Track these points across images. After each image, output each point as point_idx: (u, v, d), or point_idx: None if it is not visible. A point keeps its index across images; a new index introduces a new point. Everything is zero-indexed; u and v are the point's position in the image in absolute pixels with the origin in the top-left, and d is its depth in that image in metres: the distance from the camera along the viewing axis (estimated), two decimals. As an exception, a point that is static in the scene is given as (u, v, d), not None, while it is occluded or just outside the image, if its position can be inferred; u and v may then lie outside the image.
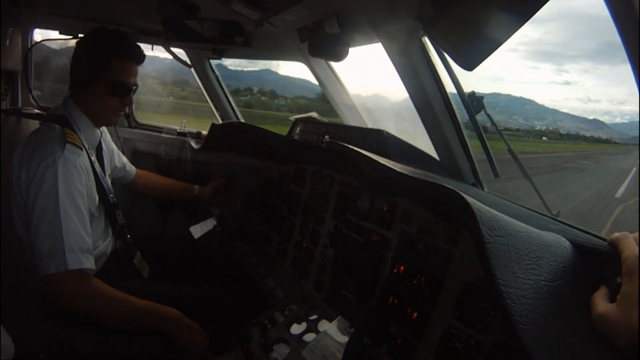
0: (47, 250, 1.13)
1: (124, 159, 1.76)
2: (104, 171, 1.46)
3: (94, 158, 1.38)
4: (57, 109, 1.37)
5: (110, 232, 1.48)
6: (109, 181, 1.49)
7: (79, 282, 1.15)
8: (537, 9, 0.78)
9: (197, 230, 1.81)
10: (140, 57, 1.40)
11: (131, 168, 1.80)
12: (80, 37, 1.40)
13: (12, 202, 1.26)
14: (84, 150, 1.30)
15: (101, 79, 1.33)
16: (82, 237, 1.17)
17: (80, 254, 1.15)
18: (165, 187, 1.89)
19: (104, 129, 1.54)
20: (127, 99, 1.40)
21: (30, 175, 1.17)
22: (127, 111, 2.45)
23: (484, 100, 1.22)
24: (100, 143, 1.49)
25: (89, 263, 1.17)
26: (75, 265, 1.13)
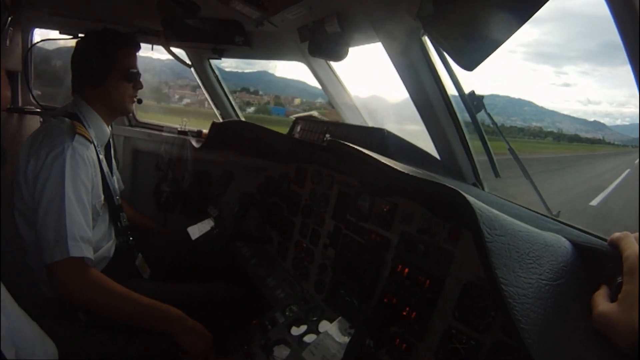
0: (53, 238, 1.13)
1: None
2: (111, 171, 1.47)
3: (102, 156, 1.39)
4: (66, 107, 1.40)
5: (113, 234, 1.47)
6: (115, 183, 1.49)
7: (79, 270, 1.15)
8: (537, 9, 0.78)
9: (195, 231, 1.81)
10: (139, 43, 1.54)
11: (121, 185, 1.70)
12: (79, 41, 1.45)
13: (16, 197, 1.25)
14: (93, 145, 1.32)
15: (115, 70, 1.41)
16: (84, 227, 1.18)
17: (82, 242, 1.15)
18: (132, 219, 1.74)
19: (111, 134, 1.55)
20: (138, 84, 1.51)
21: (39, 164, 1.18)
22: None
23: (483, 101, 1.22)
24: (109, 143, 1.50)
25: (89, 253, 1.17)
26: (77, 253, 1.13)
